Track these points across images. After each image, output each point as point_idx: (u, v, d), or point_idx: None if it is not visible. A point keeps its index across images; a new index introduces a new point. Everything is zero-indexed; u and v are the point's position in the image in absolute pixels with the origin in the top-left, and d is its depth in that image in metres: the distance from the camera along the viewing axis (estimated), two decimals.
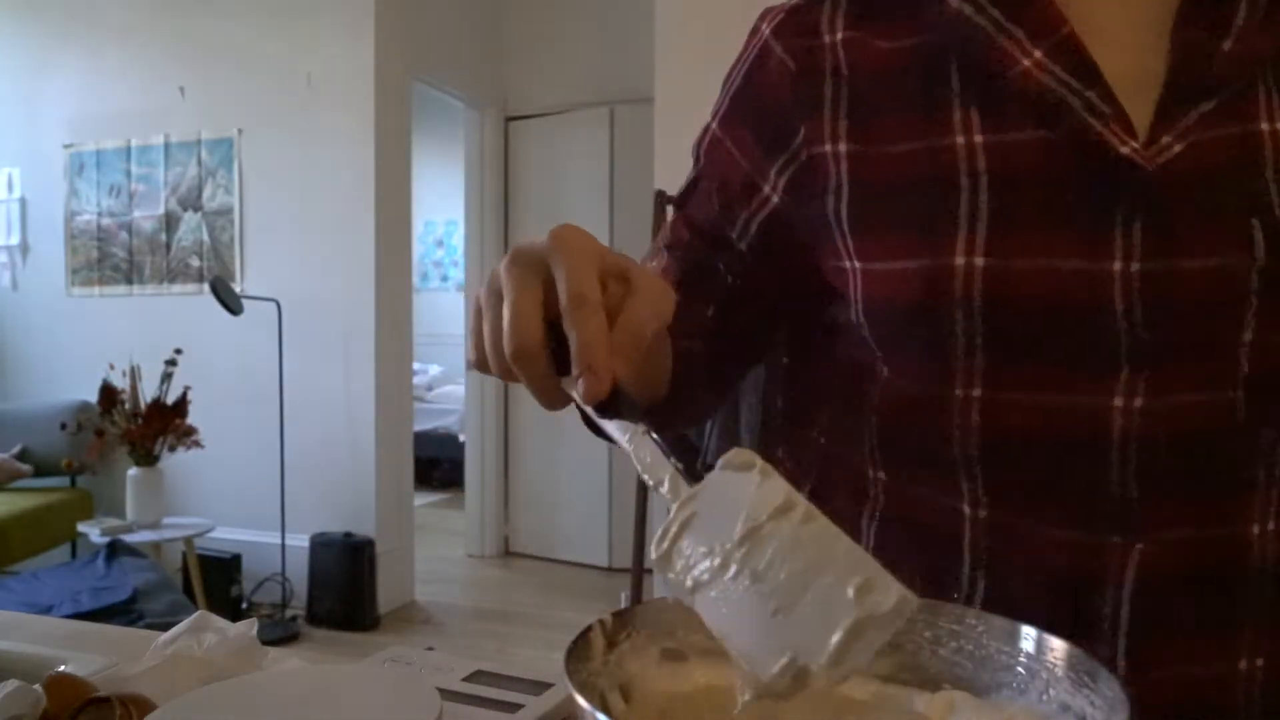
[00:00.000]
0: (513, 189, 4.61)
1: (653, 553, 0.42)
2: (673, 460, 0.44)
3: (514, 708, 0.58)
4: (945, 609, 0.47)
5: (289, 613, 3.57)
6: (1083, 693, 0.40)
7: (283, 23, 3.75)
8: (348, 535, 3.61)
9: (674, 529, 0.41)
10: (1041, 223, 0.54)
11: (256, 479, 3.73)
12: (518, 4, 4.56)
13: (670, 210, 0.74)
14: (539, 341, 0.44)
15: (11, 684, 0.54)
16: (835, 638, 0.36)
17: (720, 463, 0.42)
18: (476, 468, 4.65)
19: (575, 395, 0.45)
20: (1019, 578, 0.58)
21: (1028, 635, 0.43)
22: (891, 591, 0.37)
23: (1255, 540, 0.54)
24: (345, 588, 3.55)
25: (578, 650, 0.42)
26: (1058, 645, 0.42)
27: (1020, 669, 0.43)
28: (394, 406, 3.81)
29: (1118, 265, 0.52)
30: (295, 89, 3.72)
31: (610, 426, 0.45)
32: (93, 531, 3.21)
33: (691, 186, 0.72)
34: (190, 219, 3.93)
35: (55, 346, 4.15)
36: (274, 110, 3.76)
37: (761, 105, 0.65)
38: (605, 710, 0.40)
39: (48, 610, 2.61)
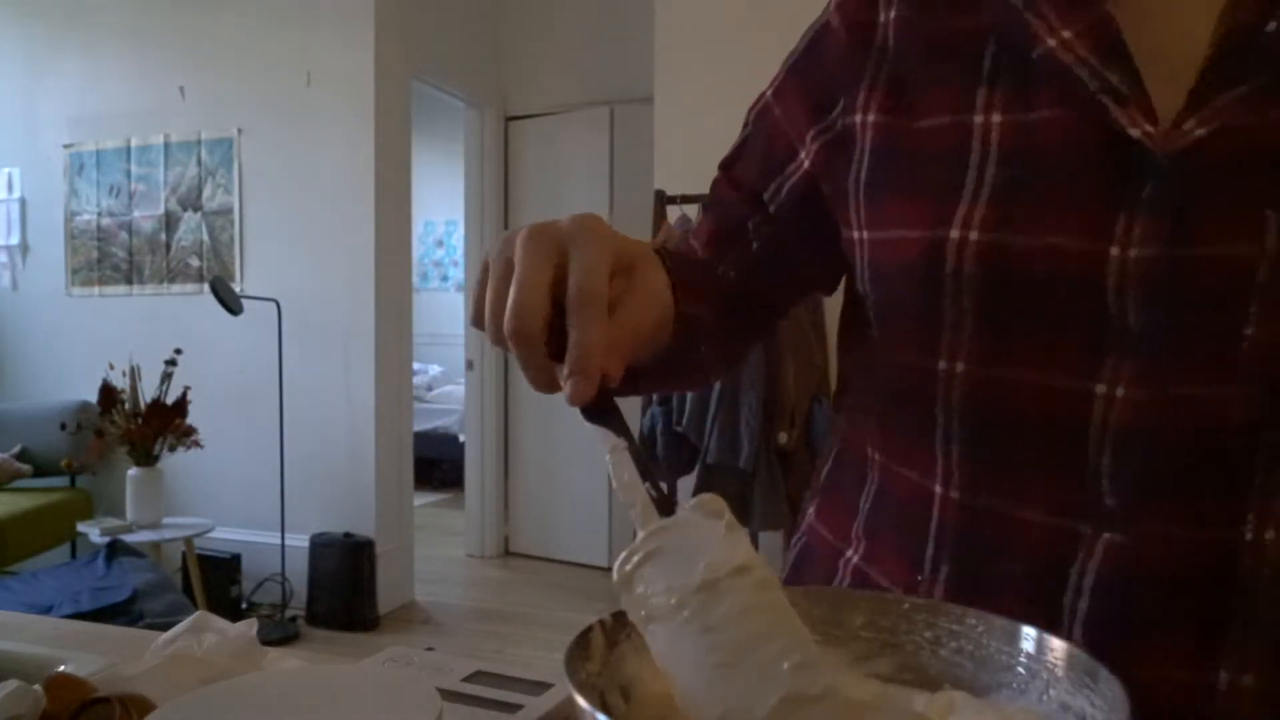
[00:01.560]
0: (513, 189, 4.61)
1: (615, 573, 0.42)
2: (648, 485, 0.44)
3: (514, 708, 0.58)
4: (945, 609, 0.47)
5: (289, 613, 3.57)
6: (1083, 693, 0.40)
7: (283, 22, 3.75)
8: (347, 535, 3.61)
9: (639, 556, 0.42)
10: (1044, 201, 0.54)
11: (256, 479, 3.73)
12: (518, 3, 4.56)
13: (717, 176, 0.77)
14: (540, 327, 0.44)
15: (11, 684, 0.54)
16: (764, 709, 0.39)
17: (692, 503, 0.42)
18: (476, 468, 4.65)
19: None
20: (984, 561, 0.58)
21: (1028, 635, 0.43)
22: (821, 677, 0.39)
23: (1248, 547, 0.51)
24: (345, 588, 3.55)
25: (578, 650, 0.42)
26: (1058, 645, 0.42)
27: (1020, 669, 0.43)
28: (394, 406, 3.81)
29: (1115, 250, 0.51)
30: (295, 89, 3.72)
31: (594, 432, 0.46)
32: (92, 531, 3.21)
33: (739, 149, 0.74)
34: (190, 219, 3.93)
35: (55, 346, 4.15)
36: (274, 110, 3.76)
37: (812, 75, 0.67)
38: (605, 710, 0.40)
39: (48, 610, 2.61)
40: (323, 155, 3.70)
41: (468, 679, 0.62)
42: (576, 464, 4.33)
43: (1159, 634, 0.51)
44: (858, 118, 0.62)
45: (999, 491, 0.57)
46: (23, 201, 4.23)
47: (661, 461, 2.85)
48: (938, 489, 0.59)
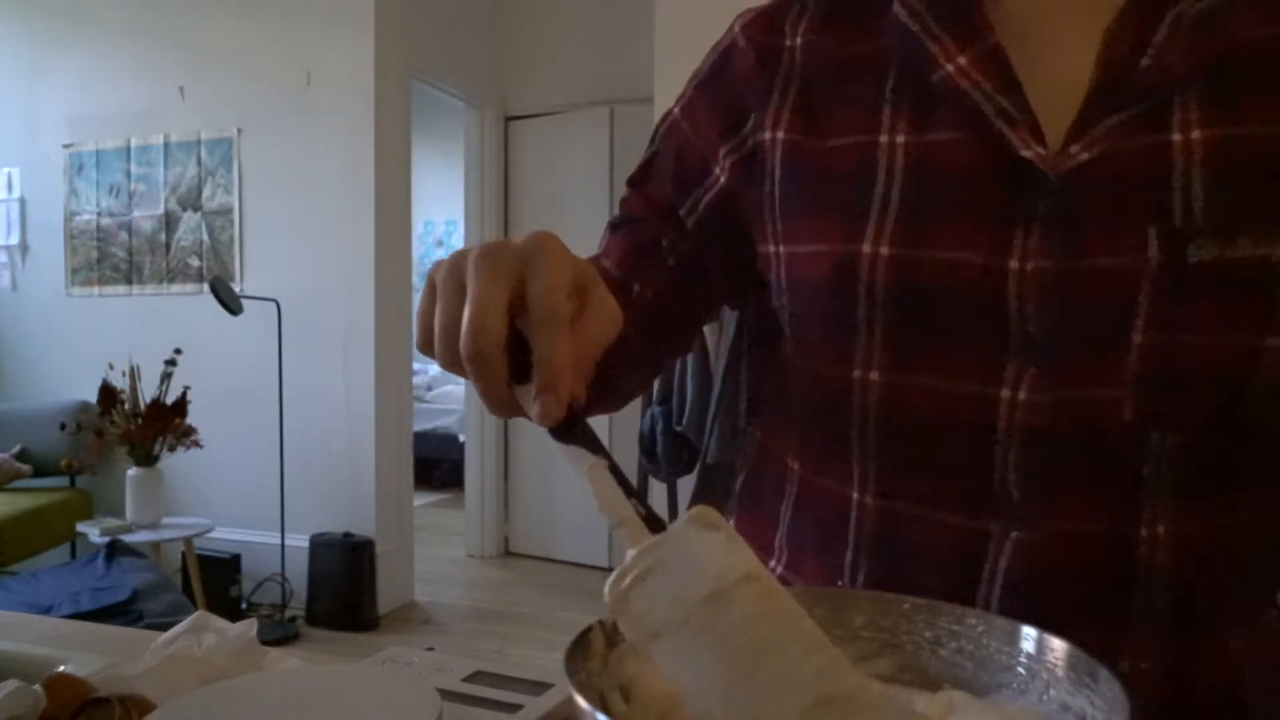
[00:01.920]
0: (513, 189, 4.61)
1: (608, 593, 0.41)
2: (634, 501, 0.42)
3: (514, 708, 0.58)
4: (945, 609, 0.47)
5: (289, 613, 3.57)
6: (1083, 693, 0.40)
7: (282, 22, 3.75)
8: (347, 535, 3.61)
9: (634, 573, 0.40)
10: (949, 218, 0.57)
11: (256, 479, 3.73)
12: (518, 3, 4.56)
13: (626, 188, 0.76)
14: (501, 347, 0.42)
15: (11, 684, 0.54)
16: (794, 716, 0.37)
17: (685, 517, 0.41)
18: (476, 468, 4.65)
19: (530, 411, 0.43)
20: (902, 564, 0.60)
21: (1028, 635, 0.44)
22: (848, 677, 0.38)
23: (1144, 542, 0.55)
24: (345, 588, 3.55)
25: (578, 650, 0.42)
26: (1058, 645, 0.42)
27: (1020, 669, 0.43)
28: (394, 406, 3.81)
29: (1014, 263, 0.55)
30: (295, 89, 3.72)
31: (566, 452, 0.44)
32: (92, 531, 3.21)
33: (647, 165, 0.74)
34: (190, 219, 3.92)
35: (55, 346, 4.15)
36: (274, 110, 3.76)
37: (722, 92, 0.68)
38: (605, 710, 0.40)
39: (47, 610, 2.61)
40: (323, 155, 3.70)
41: (468, 679, 0.62)
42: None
43: (1066, 627, 0.53)
44: (768, 135, 0.64)
45: (914, 495, 0.59)
46: (22, 201, 4.23)
47: (661, 461, 2.85)
48: (855, 495, 0.62)
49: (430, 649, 0.69)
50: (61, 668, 0.61)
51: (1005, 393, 0.55)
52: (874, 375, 0.59)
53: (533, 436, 4.55)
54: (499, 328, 0.42)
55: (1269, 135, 0.53)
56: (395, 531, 3.84)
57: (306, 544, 3.61)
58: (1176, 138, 0.53)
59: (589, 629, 0.44)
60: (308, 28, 3.71)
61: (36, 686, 0.54)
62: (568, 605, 3.88)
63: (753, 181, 0.65)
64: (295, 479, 3.64)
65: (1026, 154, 0.55)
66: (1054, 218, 0.54)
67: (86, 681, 0.56)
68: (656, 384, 2.74)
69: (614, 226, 0.74)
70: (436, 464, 6.25)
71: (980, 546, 0.57)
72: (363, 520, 3.68)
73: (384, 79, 3.68)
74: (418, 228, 6.93)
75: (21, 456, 3.81)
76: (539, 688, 0.60)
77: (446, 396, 6.54)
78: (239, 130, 3.83)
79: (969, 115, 0.57)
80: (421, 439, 5.41)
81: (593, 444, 0.44)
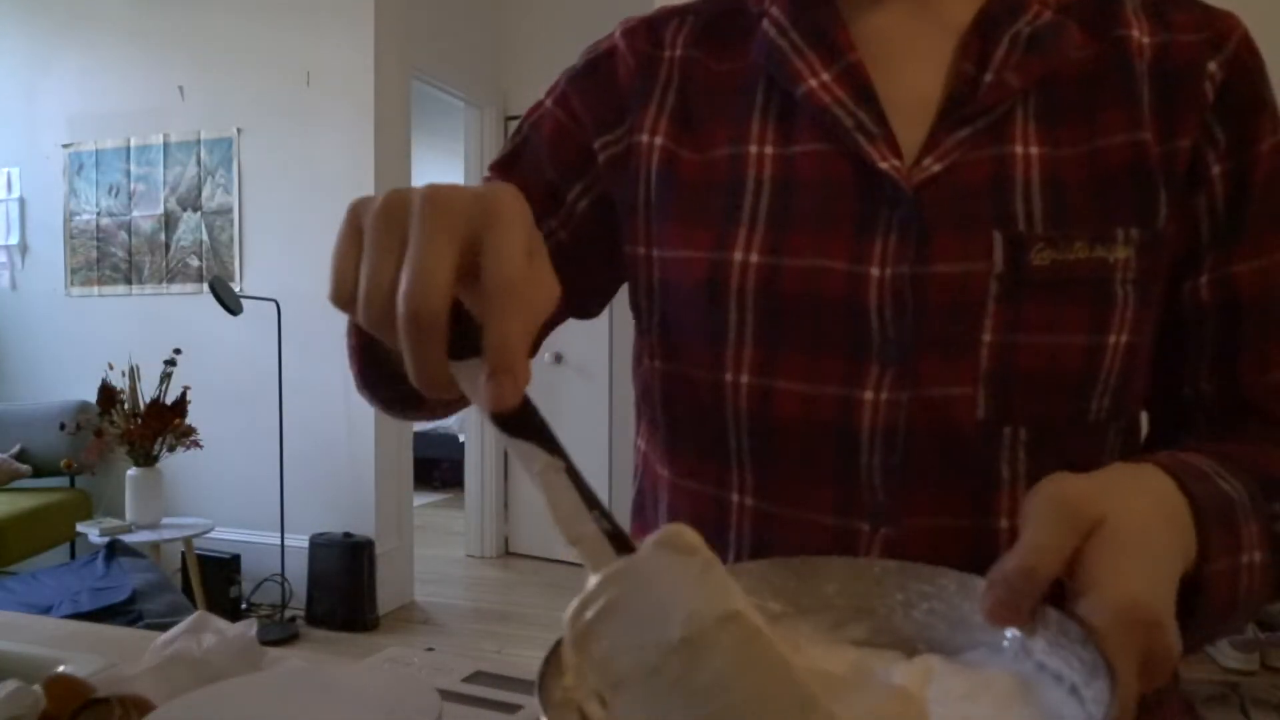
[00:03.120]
0: None
1: (568, 626, 0.36)
2: (595, 515, 0.37)
3: (514, 708, 0.58)
4: (916, 570, 0.46)
5: (288, 613, 3.57)
6: (1059, 653, 0.39)
7: (282, 22, 3.75)
8: (347, 535, 3.61)
9: (596, 607, 0.35)
10: (813, 227, 0.59)
11: (256, 479, 3.73)
12: (518, 3, 4.56)
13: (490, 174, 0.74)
14: (445, 313, 0.35)
15: (11, 684, 0.53)
16: None
17: (656, 538, 0.36)
18: (476, 468, 4.64)
19: (473, 393, 0.37)
20: None
21: None
22: None
23: (1002, 535, 0.57)
24: (345, 588, 3.55)
25: (549, 668, 0.38)
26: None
27: (994, 628, 0.42)
28: None
29: (875, 270, 0.58)
30: (295, 88, 3.72)
31: (514, 449, 0.37)
32: (92, 532, 3.20)
33: (515, 153, 0.73)
34: (189, 219, 3.92)
35: (54, 346, 4.14)
36: (274, 109, 3.76)
37: (600, 89, 0.69)
38: None
39: (47, 611, 2.61)
40: (322, 155, 3.70)
41: (468, 679, 0.62)
42: (576, 463, 4.33)
43: None
44: (645, 138, 0.66)
45: (786, 497, 0.61)
46: (22, 201, 4.23)
47: None
48: (735, 498, 0.63)
49: (430, 649, 0.69)
50: (61, 668, 0.60)
51: (868, 394, 0.58)
52: (744, 378, 0.61)
53: None
54: (445, 293, 0.35)
55: (1090, 152, 0.58)
56: (395, 531, 3.84)
57: (306, 544, 3.60)
58: (1018, 150, 0.58)
59: (556, 644, 0.39)
60: (307, 28, 3.70)
61: (36, 687, 0.54)
62: (567, 605, 3.88)
63: (625, 180, 0.67)
64: (295, 479, 3.64)
65: (883, 166, 0.58)
66: (909, 226, 0.58)
67: (86, 682, 0.56)
68: None
69: None
70: (436, 464, 6.25)
71: (851, 545, 0.59)
72: (362, 520, 3.68)
73: (384, 79, 3.68)
74: None
75: (21, 456, 3.81)
76: None
77: None
78: (239, 130, 3.82)
79: (830, 129, 0.60)
80: (421, 439, 5.42)
81: (547, 440, 0.38)
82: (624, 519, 0.71)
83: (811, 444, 0.59)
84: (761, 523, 0.62)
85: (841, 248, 0.59)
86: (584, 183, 0.69)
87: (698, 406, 0.63)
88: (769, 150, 0.62)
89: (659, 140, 0.65)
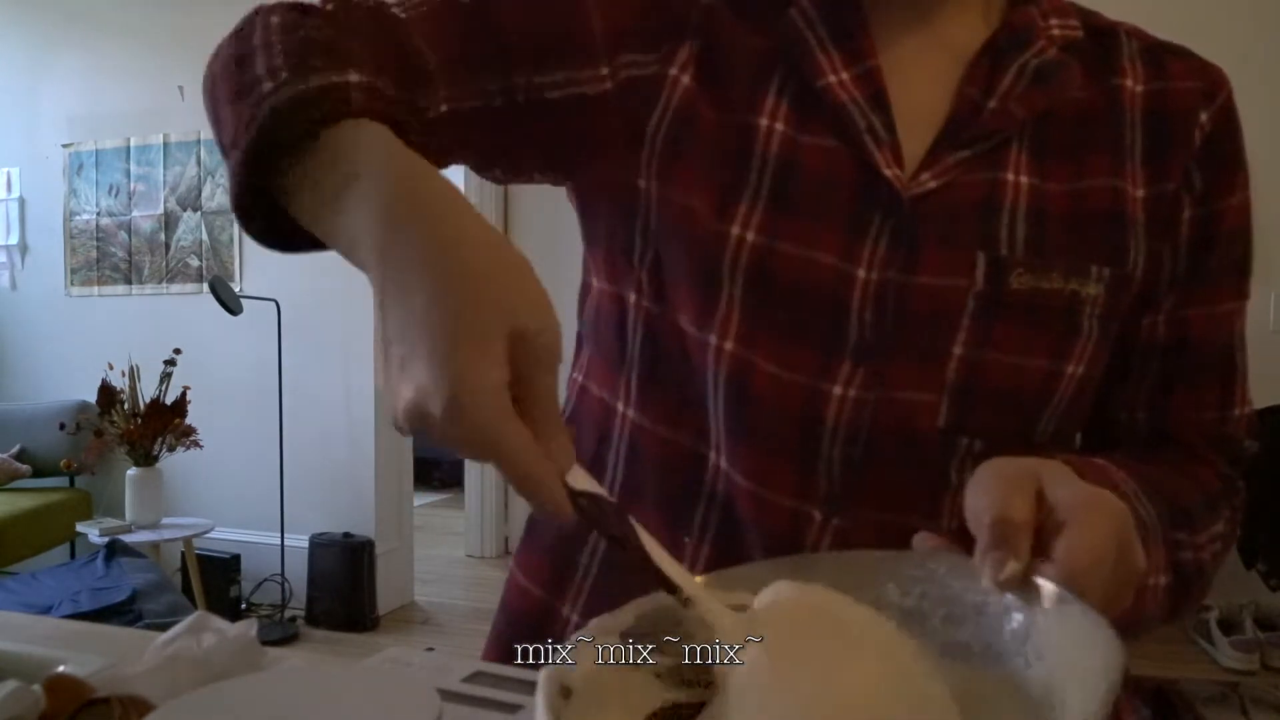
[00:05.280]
0: (512, 188, 4.60)
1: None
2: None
3: (514, 708, 0.58)
4: (905, 557, 0.47)
5: (288, 613, 3.57)
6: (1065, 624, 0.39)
7: None
8: (347, 535, 3.61)
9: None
10: (810, 216, 0.61)
11: (256, 479, 3.73)
12: None
13: None
14: (568, 506, 0.41)
15: (11, 684, 0.53)
16: None
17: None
18: (476, 468, 4.64)
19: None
20: (743, 535, 0.63)
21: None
22: None
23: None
24: (344, 588, 3.54)
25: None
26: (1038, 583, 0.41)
27: (992, 605, 0.42)
28: None
29: (862, 272, 0.60)
30: None
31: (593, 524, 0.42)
32: (91, 532, 3.20)
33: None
34: (189, 219, 3.92)
35: (54, 346, 4.14)
36: None
37: (637, 10, 0.64)
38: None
39: (47, 611, 2.61)
40: None
41: (468, 679, 0.62)
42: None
43: None
44: (673, 72, 0.64)
45: (752, 470, 0.62)
46: (22, 201, 4.23)
47: None
48: (712, 455, 0.64)
49: (430, 649, 0.69)
50: (61, 668, 0.60)
51: (837, 389, 0.60)
52: (729, 345, 0.62)
53: None
54: (560, 492, 0.40)
55: (1073, 190, 0.61)
56: (395, 532, 3.84)
57: (306, 544, 3.60)
58: (1010, 178, 0.60)
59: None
60: None
61: (36, 686, 0.54)
62: None
63: (641, 105, 0.63)
64: (295, 479, 3.64)
65: (887, 172, 0.60)
66: (900, 235, 0.60)
67: (86, 682, 0.56)
68: None
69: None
70: (436, 464, 6.25)
71: (803, 529, 0.61)
72: (362, 520, 3.68)
73: None
74: None
75: (21, 456, 3.81)
76: None
77: None
78: None
79: (842, 126, 0.61)
80: (421, 438, 5.40)
81: (614, 516, 0.42)
82: None
83: (779, 425, 0.61)
84: (733, 490, 0.63)
85: (833, 242, 0.60)
86: (579, 83, 0.62)
87: (685, 357, 0.64)
88: (779, 127, 0.62)
89: (686, 80, 0.64)
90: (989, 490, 0.44)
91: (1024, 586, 0.41)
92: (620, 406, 0.69)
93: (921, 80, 0.63)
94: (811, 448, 0.61)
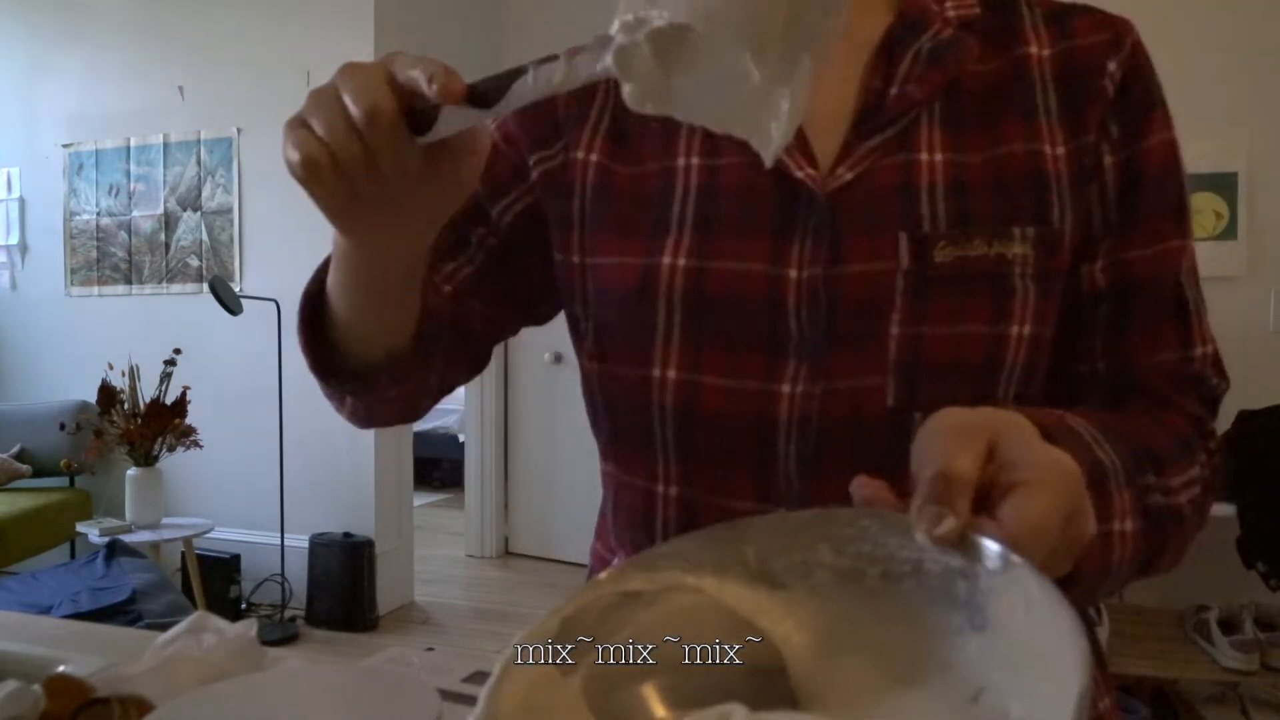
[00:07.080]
0: None
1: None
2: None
3: None
4: (834, 515, 0.45)
5: (288, 613, 3.57)
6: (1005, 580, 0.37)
7: (282, 22, 3.75)
8: (347, 535, 3.61)
9: None
10: (737, 233, 0.64)
11: (256, 479, 3.73)
12: (517, 4, 4.56)
13: None
14: (394, 99, 0.44)
15: (11, 684, 0.53)
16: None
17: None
18: (476, 468, 4.64)
19: (446, 127, 0.45)
20: None
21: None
22: None
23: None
24: (344, 588, 3.54)
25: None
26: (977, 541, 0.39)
27: (931, 564, 0.40)
28: None
29: (793, 272, 0.62)
30: (295, 88, 3.71)
31: (514, 99, 0.46)
32: (91, 532, 3.20)
33: None
34: (189, 219, 3.92)
35: (54, 346, 4.14)
36: (273, 109, 3.76)
37: (534, 109, 0.72)
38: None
39: (47, 611, 2.61)
40: None
41: (468, 679, 0.62)
42: (576, 464, 4.33)
43: None
44: (580, 154, 0.70)
45: (711, 485, 0.65)
46: (22, 201, 4.23)
47: None
48: (660, 489, 0.67)
49: (430, 649, 0.69)
50: (61, 668, 0.60)
51: (785, 388, 0.62)
52: (671, 374, 0.65)
53: (533, 437, 4.55)
54: (387, 88, 0.44)
55: (991, 158, 0.63)
56: (395, 532, 3.84)
57: (306, 544, 3.60)
58: (923, 157, 0.63)
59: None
60: (307, 27, 3.70)
61: (36, 686, 0.54)
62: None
63: (560, 194, 0.71)
64: (295, 479, 3.64)
65: (800, 175, 0.62)
66: (823, 230, 0.62)
67: (86, 682, 0.56)
68: None
69: None
70: (436, 464, 6.25)
71: None
72: (362, 520, 3.68)
73: None
74: None
75: (21, 456, 3.81)
76: None
77: (446, 396, 6.54)
78: (239, 130, 3.82)
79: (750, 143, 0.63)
80: (421, 439, 5.42)
81: (516, 71, 0.46)
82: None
83: (732, 435, 0.63)
84: (686, 511, 0.66)
85: (762, 251, 0.63)
86: (513, 196, 0.72)
87: (628, 403, 0.68)
88: (695, 161, 0.66)
89: (594, 157, 0.70)
90: (936, 441, 0.43)
91: (963, 545, 0.39)
92: (604, 463, 0.73)
93: (831, 79, 0.65)
94: (768, 450, 0.62)
